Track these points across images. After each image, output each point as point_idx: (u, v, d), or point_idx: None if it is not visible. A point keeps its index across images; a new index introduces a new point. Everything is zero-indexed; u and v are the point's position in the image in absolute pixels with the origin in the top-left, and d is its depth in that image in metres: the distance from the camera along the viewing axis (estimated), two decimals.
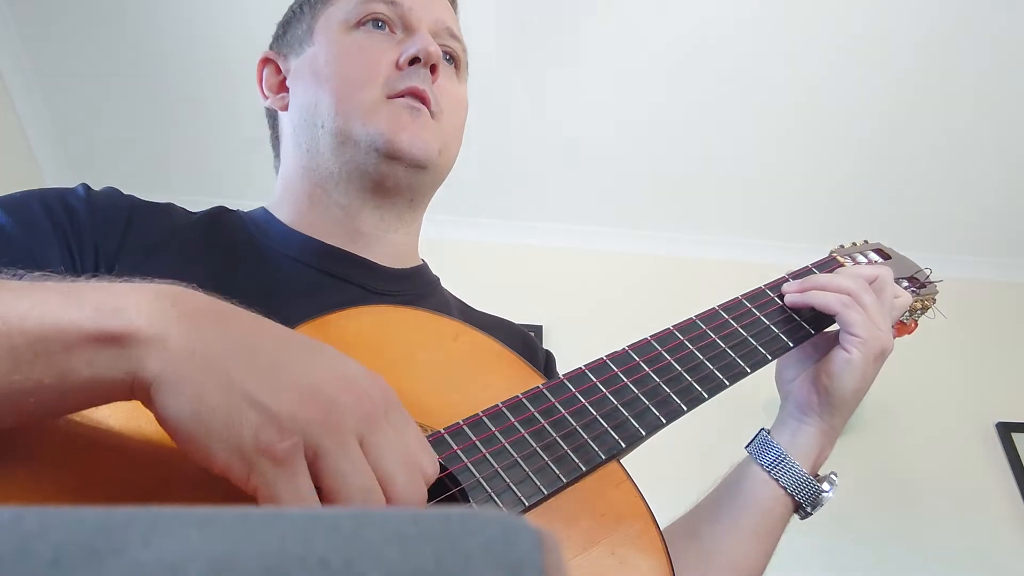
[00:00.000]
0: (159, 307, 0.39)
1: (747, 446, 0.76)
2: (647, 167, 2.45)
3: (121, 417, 0.44)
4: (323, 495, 0.39)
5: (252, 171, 1.71)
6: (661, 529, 0.55)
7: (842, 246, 0.89)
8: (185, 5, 2.08)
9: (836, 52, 2.11)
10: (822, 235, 2.52)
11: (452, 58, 0.82)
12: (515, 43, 2.14)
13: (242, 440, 0.37)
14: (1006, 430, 2.32)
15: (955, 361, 2.36)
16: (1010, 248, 2.61)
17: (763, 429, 0.76)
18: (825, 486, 0.72)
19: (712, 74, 2.18)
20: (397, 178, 0.75)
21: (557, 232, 2.62)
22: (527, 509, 0.52)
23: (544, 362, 0.83)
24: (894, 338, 0.81)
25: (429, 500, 0.52)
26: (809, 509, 0.72)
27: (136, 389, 0.38)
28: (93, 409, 0.43)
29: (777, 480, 0.71)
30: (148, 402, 0.38)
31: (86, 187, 0.69)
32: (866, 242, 0.90)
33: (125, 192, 0.73)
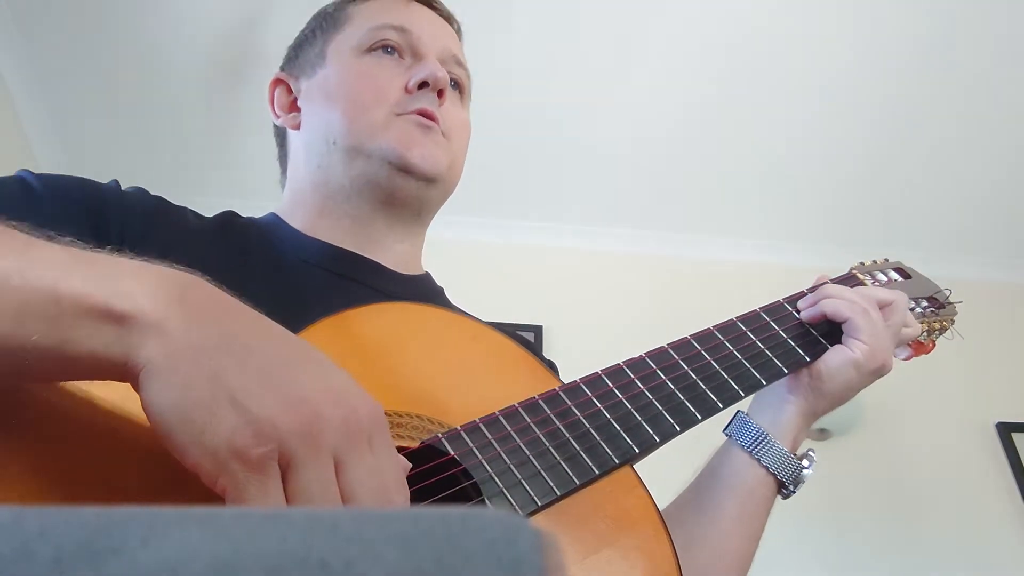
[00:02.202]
0: (167, 292, 0.40)
1: (725, 429, 0.76)
2: (648, 167, 2.45)
3: (130, 411, 0.44)
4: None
5: (254, 172, 1.71)
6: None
7: (862, 263, 0.89)
8: (185, 5, 2.08)
9: (843, 55, 2.11)
10: (825, 236, 2.54)
11: (457, 84, 0.85)
12: (516, 41, 2.14)
13: (217, 439, 0.37)
14: (1006, 430, 2.32)
15: (955, 361, 2.35)
16: (1010, 248, 2.61)
17: (739, 411, 0.76)
18: (805, 463, 0.72)
19: (716, 76, 2.18)
20: (408, 190, 0.78)
21: (557, 232, 2.62)
22: (539, 509, 0.52)
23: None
24: (912, 357, 0.83)
25: (444, 496, 0.52)
26: (791, 487, 0.72)
27: (128, 372, 0.38)
28: (103, 403, 0.44)
29: (759, 460, 0.72)
30: (137, 387, 0.38)
31: (117, 183, 0.72)
32: (886, 260, 0.91)
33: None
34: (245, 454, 0.36)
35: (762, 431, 0.73)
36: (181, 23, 2.11)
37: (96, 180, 0.71)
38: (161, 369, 0.38)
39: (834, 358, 0.73)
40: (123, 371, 0.39)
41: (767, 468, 0.71)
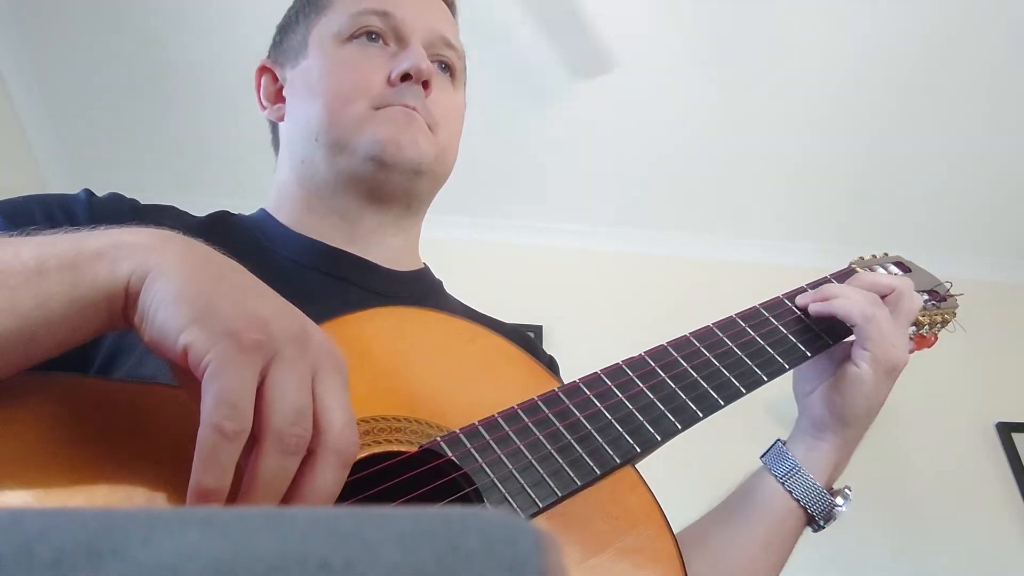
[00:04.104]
0: (155, 231, 0.44)
1: (762, 456, 0.75)
2: (648, 167, 2.45)
3: (130, 416, 0.45)
4: (259, 402, 0.39)
5: (252, 170, 1.71)
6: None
7: (861, 258, 0.88)
8: (186, 4, 2.08)
9: (845, 56, 2.11)
10: (826, 236, 2.54)
11: (447, 67, 0.82)
12: (516, 41, 2.14)
13: (214, 322, 0.39)
14: (1006, 430, 2.32)
15: (955, 361, 2.36)
16: (1010, 248, 2.61)
17: (779, 440, 0.75)
18: (839, 500, 0.71)
19: (718, 77, 2.18)
20: (393, 184, 0.75)
21: (557, 232, 2.62)
22: (541, 511, 0.52)
23: (548, 367, 0.83)
24: (914, 351, 0.80)
25: (443, 499, 0.52)
26: (822, 522, 0.71)
27: (131, 288, 0.41)
28: (103, 407, 0.44)
29: (791, 492, 0.71)
30: (136, 299, 0.41)
31: (88, 192, 0.70)
32: (886, 255, 0.90)
33: (127, 196, 0.73)
34: (238, 336, 0.39)
35: (796, 464, 0.72)
36: (181, 22, 2.11)
37: (62, 194, 0.69)
38: (167, 271, 0.41)
39: (843, 382, 0.72)
40: (126, 295, 0.41)
41: (798, 501, 0.70)
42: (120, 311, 0.42)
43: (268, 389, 0.39)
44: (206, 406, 0.37)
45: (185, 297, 0.40)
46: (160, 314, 0.40)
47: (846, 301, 0.72)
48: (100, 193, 0.72)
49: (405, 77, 0.75)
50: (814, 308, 0.74)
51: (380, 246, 0.79)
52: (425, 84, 0.76)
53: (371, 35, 0.78)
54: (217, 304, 0.40)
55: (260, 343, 0.39)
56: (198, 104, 2.30)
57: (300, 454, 0.39)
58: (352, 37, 0.78)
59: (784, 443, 0.75)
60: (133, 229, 0.44)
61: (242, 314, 0.40)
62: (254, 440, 0.38)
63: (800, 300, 0.75)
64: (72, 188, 0.73)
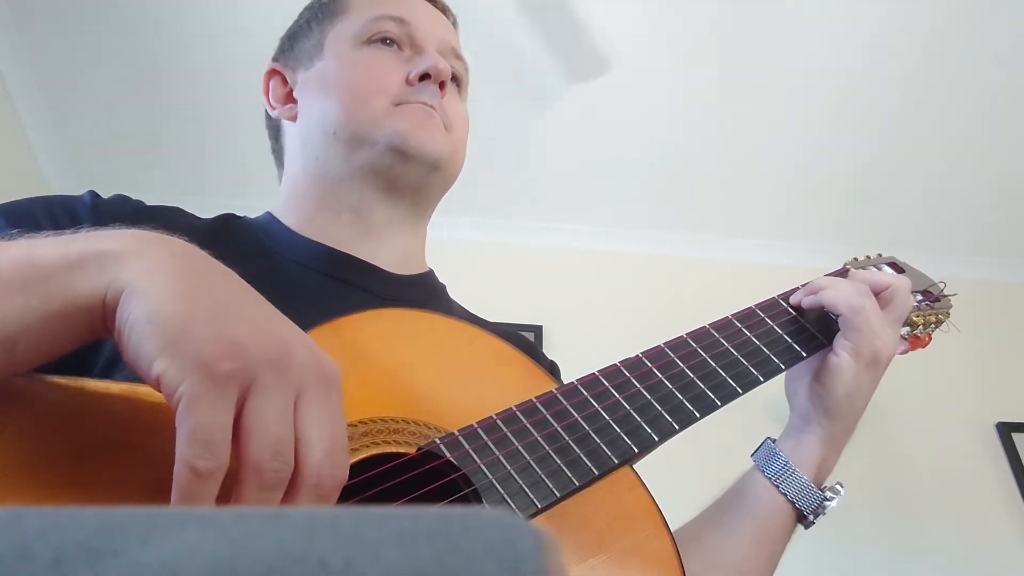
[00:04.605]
0: (138, 235, 0.43)
1: (752, 455, 0.75)
2: (647, 167, 2.45)
3: (124, 418, 0.45)
4: (238, 433, 0.37)
5: (254, 171, 1.71)
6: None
7: (856, 259, 0.89)
8: (186, 5, 2.08)
9: (845, 55, 2.11)
10: (826, 236, 2.55)
11: (455, 77, 0.85)
12: (514, 43, 2.14)
13: (187, 350, 0.37)
14: (1006, 430, 2.31)
15: (955, 361, 2.36)
16: (1010, 248, 2.61)
17: (768, 438, 0.76)
18: (829, 494, 0.72)
19: (718, 76, 2.18)
20: (410, 176, 0.78)
21: (557, 232, 2.62)
22: (539, 511, 0.52)
23: (548, 371, 0.84)
24: (908, 351, 0.81)
25: (441, 500, 0.52)
26: (812, 518, 0.72)
27: (108, 302, 0.40)
28: (98, 409, 0.44)
29: (778, 487, 0.71)
30: (113, 315, 0.40)
31: (93, 194, 0.71)
32: (880, 255, 0.91)
33: (132, 197, 0.74)
34: (211, 367, 0.37)
35: (786, 462, 0.72)
36: (183, 22, 2.11)
37: (67, 195, 0.69)
38: (142, 286, 0.39)
39: (823, 372, 0.72)
40: (103, 309, 0.40)
41: (786, 496, 0.71)
42: (100, 323, 0.41)
43: (245, 420, 0.37)
44: (180, 443, 0.36)
45: (157, 321, 0.38)
46: (133, 337, 0.38)
47: (833, 292, 0.73)
48: (104, 194, 0.72)
49: (424, 77, 0.78)
50: (805, 302, 0.75)
51: (389, 245, 0.80)
52: (441, 85, 0.79)
53: (387, 40, 0.80)
54: (190, 329, 0.38)
55: (234, 372, 0.37)
56: (199, 104, 2.30)
57: (280, 488, 0.38)
58: (369, 41, 0.80)
59: (774, 441, 0.75)
60: (120, 233, 0.43)
61: (216, 339, 0.38)
62: (235, 471, 0.37)
63: (793, 299, 0.76)
64: (72, 188, 0.73)
